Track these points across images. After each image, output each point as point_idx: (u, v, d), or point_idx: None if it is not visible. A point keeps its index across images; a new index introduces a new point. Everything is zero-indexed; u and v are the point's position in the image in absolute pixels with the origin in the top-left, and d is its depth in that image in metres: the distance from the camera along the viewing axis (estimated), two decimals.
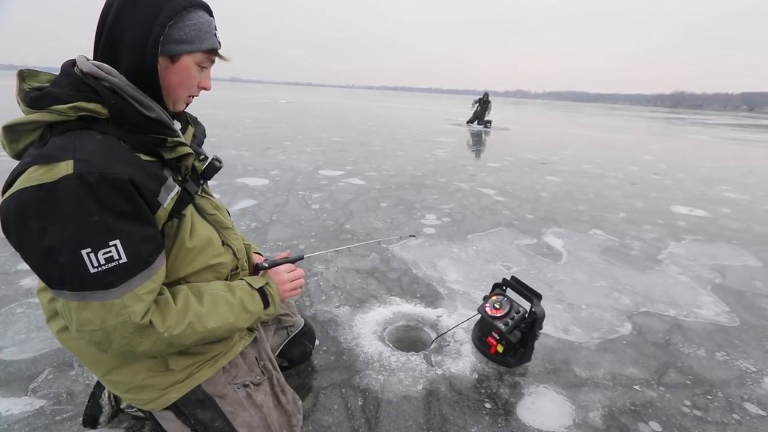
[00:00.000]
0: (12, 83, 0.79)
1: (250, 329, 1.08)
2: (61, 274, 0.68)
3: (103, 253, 0.68)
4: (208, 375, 0.94)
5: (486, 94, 13.55)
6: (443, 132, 11.63)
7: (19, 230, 0.67)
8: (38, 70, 0.81)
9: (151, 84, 0.80)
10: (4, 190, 0.70)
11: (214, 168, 0.94)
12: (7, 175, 0.72)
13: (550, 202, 4.43)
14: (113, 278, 0.70)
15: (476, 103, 13.62)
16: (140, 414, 1.25)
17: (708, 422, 1.47)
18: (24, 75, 0.79)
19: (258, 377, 1.02)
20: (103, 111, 0.75)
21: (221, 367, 0.97)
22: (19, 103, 0.76)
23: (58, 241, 0.66)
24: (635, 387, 1.63)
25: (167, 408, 0.92)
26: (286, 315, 1.43)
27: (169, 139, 0.82)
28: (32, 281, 2.17)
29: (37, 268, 0.71)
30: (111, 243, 0.69)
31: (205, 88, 0.89)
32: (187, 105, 0.91)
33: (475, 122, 13.56)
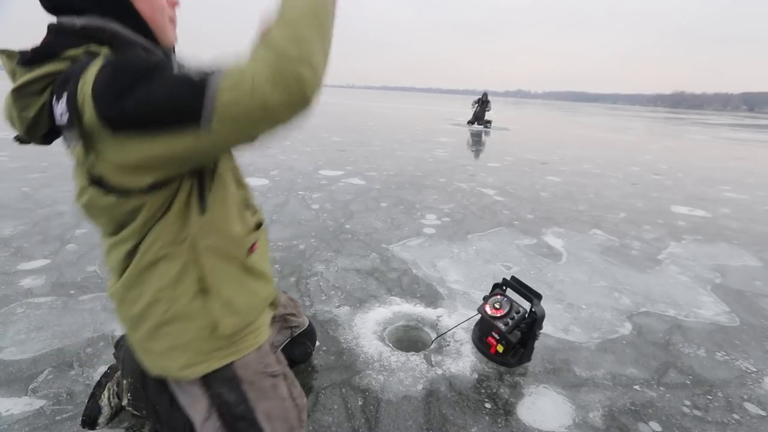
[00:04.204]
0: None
1: (273, 304, 1.08)
2: (188, 90, 0.61)
3: (187, 66, 0.64)
4: (250, 348, 0.94)
5: (485, 94, 13.57)
6: (443, 132, 11.63)
7: (128, 109, 0.61)
8: (14, 50, 0.75)
9: (135, 22, 0.76)
10: (78, 120, 0.64)
11: None
12: None
13: (550, 202, 4.43)
14: (211, 67, 0.64)
15: (476, 103, 13.64)
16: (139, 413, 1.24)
17: (708, 422, 1.47)
18: (6, 53, 0.75)
19: (279, 365, 1.03)
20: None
21: (262, 342, 0.97)
22: (14, 74, 0.72)
23: (155, 82, 0.61)
24: (635, 387, 1.63)
25: (198, 379, 0.91)
26: (292, 315, 1.43)
27: None
28: (32, 281, 2.18)
29: (175, 113, 0.62)
30: (182, 64, 0.65)
31: (175, 3, 0.85)
32: (174, 30, 0.87)
33: (476, 122, 13.57)
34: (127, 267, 0.83)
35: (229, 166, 0.90)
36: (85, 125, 0.64)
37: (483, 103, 13.48)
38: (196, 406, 0.94)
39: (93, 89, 0.62)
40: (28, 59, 0.70)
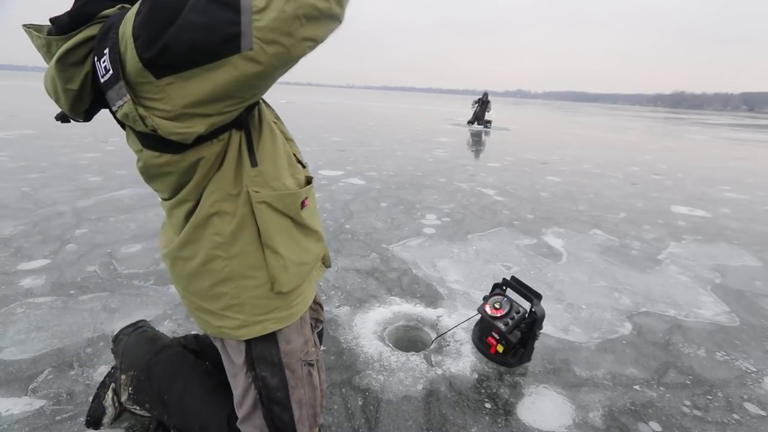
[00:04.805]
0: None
1: (324, 263, 1.09)
2: (225, 12, 0.60)
3: None
4: (302, 311, 0.96)
5: (485, 94, 13.58)
6: (443, 132, 11.63)
7: (169, 47, 0.60)
8: (41, 24, 0.74)
9: None
10: (122, 73, 0.63)
11: None
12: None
13: (550, 202, 4.43)
14: None
15: (476, 103, 13.65)
16: (145, 413, 1.24)
17: (708, 422, 1.47)
18: (32, 28, 0.73)
19: (317, 351, 1.05)
20: None
21: (310, 301, 0.99)
22: (49, 47, 0.69)
23: (188, 9, 0.60)
24: (635, 387, 1.63)
25: (245, 356, 0.92)
26: (321, 307, 1.44)
27: None
28: (32, 281, 2.18)
29: (219, 41, 0.61)
30: None
31: None
32: None
33: (476, 122, 13.58)
34: (185, 225, 0.82)
35: (273, 121, 0.90)
36: (128, 74, 0.63)
37: (483, 103, 13.49)
38: (238, 380, 0.96)
39: (133, 29, 0.61)
40: (64, 26, 0.68)
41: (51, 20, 0.69)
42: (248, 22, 0.60)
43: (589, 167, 6.83)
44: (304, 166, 0.98)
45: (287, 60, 0.66)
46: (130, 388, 1.18)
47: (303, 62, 0.73)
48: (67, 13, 0.68)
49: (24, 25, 0.72)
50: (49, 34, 0.69)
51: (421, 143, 8.69)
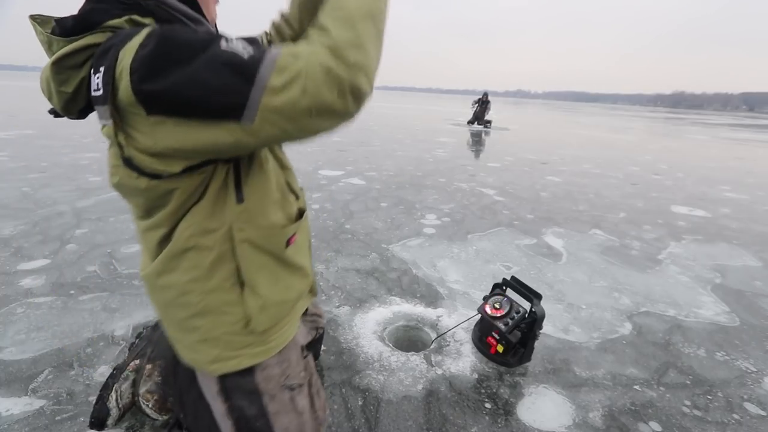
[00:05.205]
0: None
1: (312, 292, 1.05)
2: (234, 78, 0.58)
3: (234, 42, 0.61)
4: (281, 345, 0.91)
5: (485, 94, 13.60)
6: (443, 132, 11.63)
7: (168, 96, 0.59)
8: (49, 15, 0.72)
9: None
10: (112, 97, 0.62)
11: None
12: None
13: (550, 202, 4.43)
14: (261, 50, 0.61)
15: (476, 103, 13.66)
16: (155, 414, 1.23)
17: (708, 422, 1.47)
18: (38, 20, 0.71)
19: (302, 374, 1.00)
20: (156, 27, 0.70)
21: (292, 334, 0.95)
22: (50, 45, 0.68)
23: (199, 61, 0.58)
24: (635, 387, 1.63)
25: (219, 388, 0.89)
26: (319, 316, 1.42)
27: None
28: (32, 281, 2.18)
29: (217, 102, 0.60)
30: (230, 38, 0.62)
31: None
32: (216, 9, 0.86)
33: (476, 122, 13.58)
34: (160, 252, 0.79)
35: (270, 149, 0.86)
36: (119, 101, 0.61)
37: (483, 104, 13.50)
38: (215, 404, 0.92)
39: (132, 61, 0.59)
40: (68, 29, 0.66)
41: (56, 21, 0.68)
42: (257, 98, 0.59)
43: (589, 167, 6.83)
44: (298, 197, 0.94)
45: (285, 141, 0.65)
46: (159, 378, 1.16)
47: None
48: (73, 16, 0.67)
49: (31, 16, 0.71)
50: (53, 32, 0.67)
51: (421, 143, 8.69)
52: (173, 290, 0.81)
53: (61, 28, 0.67)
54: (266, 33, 1.10)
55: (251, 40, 0.67)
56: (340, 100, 0.60)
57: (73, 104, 0.71)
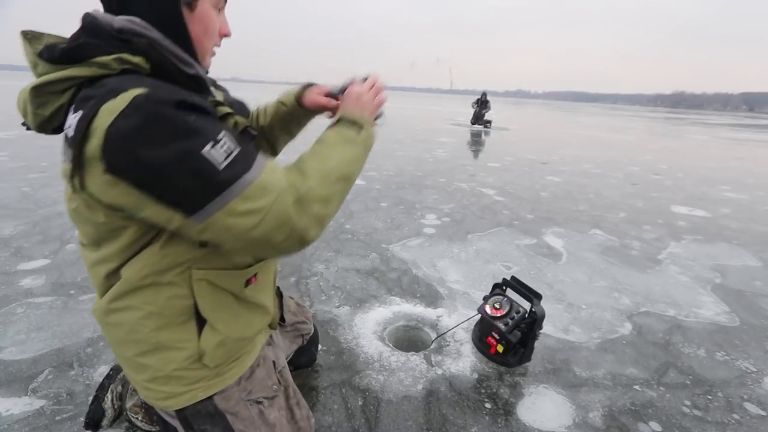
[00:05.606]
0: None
1: (271, 326, 1.04)
2: (198, 185, 0.61)
3: (221, 146, 0.62)
4: (236, 375, 0.90)
5: (484, 94, 13.66)
6: (443, 132, 11.63)
7: (129, 170, 0.60)
8: (41, 32, 0.70)
9: (182, 39, 0.73)
10: (80, 145, 0.61)
11: (249, 135, 0.86)
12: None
13: (550, 202, 4.43)
14: (244, 164, 0.64)
15: (476, 103, 13.70)
16: (147, 426, 1.23)
17: (708, 422, 1.47)
18: (29, 36, 0.69)
19: (274, 387, 0.98)
20: (146, 66, 0.68)
21: (248, 365, 0.93)
22: (35, 66, 0.68)
23: (174, 155, 0.59)
24: (635, 387, 1.63)
25: (178, 419, 0.88)
26: (303, 323, 1.40)
27: (210, 98, 0.77)
28: (32, 281, 2.18)
29: (171, 198, 0.62)
30: (219, 137, 0.63)
31: (226, 35, 0.83)
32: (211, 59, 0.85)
33: (477, 122, 13.61)
34: (108, 287, 0.78)
35: None
36: (85, 151, 0.61)
37: (482, 103, 13.54)
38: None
39: (110, 126, 0.59)
40: (55, 58, 0.66)
41: (47, 46, 0.67)
42: (213, 211, 0.62)
43: (589, 167, 6.83)
44: None
45: (222, 246, 0.69)
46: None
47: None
48: (62, 47, 0.66)
49: (22, 32, 0.70)
50: (41, 54, 0.67)
51: (421, 143, 8.69)
52: (123, 328, 0.79)
53: (48, 54, 0.66)
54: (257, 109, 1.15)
55: (246, 136, 0.70)
56: (285, 243, 0.67)
57: (48, 124, 0.71)
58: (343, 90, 0.95)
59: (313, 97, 1.03)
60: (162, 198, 0.62)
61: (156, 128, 0.59)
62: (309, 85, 1.04)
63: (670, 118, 35.67)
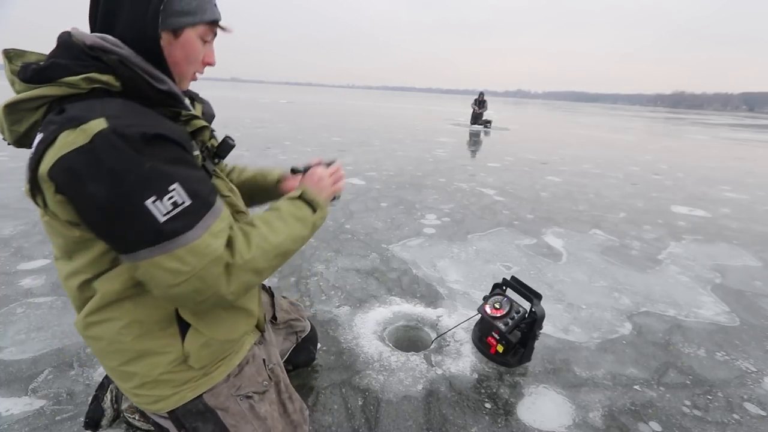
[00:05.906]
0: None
1: (258, 328, 1.05)
2: (134, 232, 0.64)
3: (168, 198, 0.64)
4: (224, 374, 0.91)
5: (481, 94, 13.77)
6: (443, 132, 11.63)
7: (74, 198, 0.64)
8: (24, 50, 0.74)
9: (156, 59, 0.76)
10: (35, 166, 0.65)
11: (228, 146, 0.89)
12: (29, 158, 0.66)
13: (550, 202, 4.43)
14: (186, 221, 0.66)
15: (475, 103, 13.75)
16: (145, 426, 1.23)
17: (708, 422, 1.47)
18: (10, 55, 0.72)
19: (265, 383, 0.99)
20: (116, 83, 0.70)
21: (236, 364, 0.94)
22: (13, 83, 0.70)
23: (117, 199, 0.62)
24: (635, 387, 1.63)
25: (170, 419, 0.89)
26: (297, 320, 1.41)
27: (183, 112, 0.79)
28: (32, 281, 2.18)
29: (106, 234, 0.67)
30: (171, 188, 0.65)
31: (209, 64, 0.85)
32: (190, 83, 0.88)
33: (476, 122, 13.64)
34: (83, 300, 0.79)
35: (225, 194, 0.89)
36: (40, 173, 0.65)
37: (480, 103, 13.60)
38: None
39: (64, 157, 0.62)
40: (27, 78, 0.69)
41: (22, 66, 0.70)
42: (143, 257, 0.66)
43: (589, 167, 6.83)
44: None
45: (146, 286, 0.72)
46: None
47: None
48: (33, 68, 0.69)
49: (4, 51, 0.73)
50: (18, 73, 0.70)
51: (421, 143, 8.69)
52: (104, 340, 0.81)
53: (22, 73, 0.70)
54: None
55: (203, 189, 0.71)
56: (202, 305, 0.72)
57: (26, 139, 0.73)
58: (307, 169, 1.06)
59: (292, 185, 1.15)
60: (99, 231, 0.68)
61: (107, 170, 0.62)
62: (293, 171, 1.11)
63: (670, 118, 35.68)
